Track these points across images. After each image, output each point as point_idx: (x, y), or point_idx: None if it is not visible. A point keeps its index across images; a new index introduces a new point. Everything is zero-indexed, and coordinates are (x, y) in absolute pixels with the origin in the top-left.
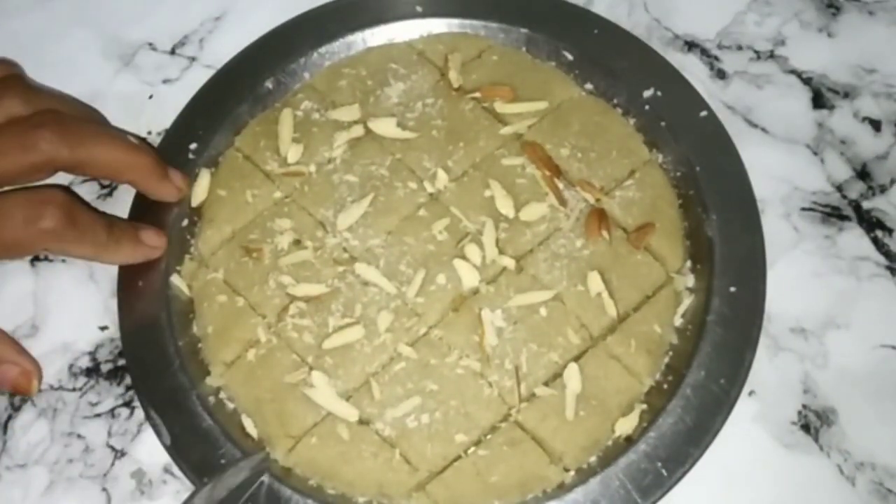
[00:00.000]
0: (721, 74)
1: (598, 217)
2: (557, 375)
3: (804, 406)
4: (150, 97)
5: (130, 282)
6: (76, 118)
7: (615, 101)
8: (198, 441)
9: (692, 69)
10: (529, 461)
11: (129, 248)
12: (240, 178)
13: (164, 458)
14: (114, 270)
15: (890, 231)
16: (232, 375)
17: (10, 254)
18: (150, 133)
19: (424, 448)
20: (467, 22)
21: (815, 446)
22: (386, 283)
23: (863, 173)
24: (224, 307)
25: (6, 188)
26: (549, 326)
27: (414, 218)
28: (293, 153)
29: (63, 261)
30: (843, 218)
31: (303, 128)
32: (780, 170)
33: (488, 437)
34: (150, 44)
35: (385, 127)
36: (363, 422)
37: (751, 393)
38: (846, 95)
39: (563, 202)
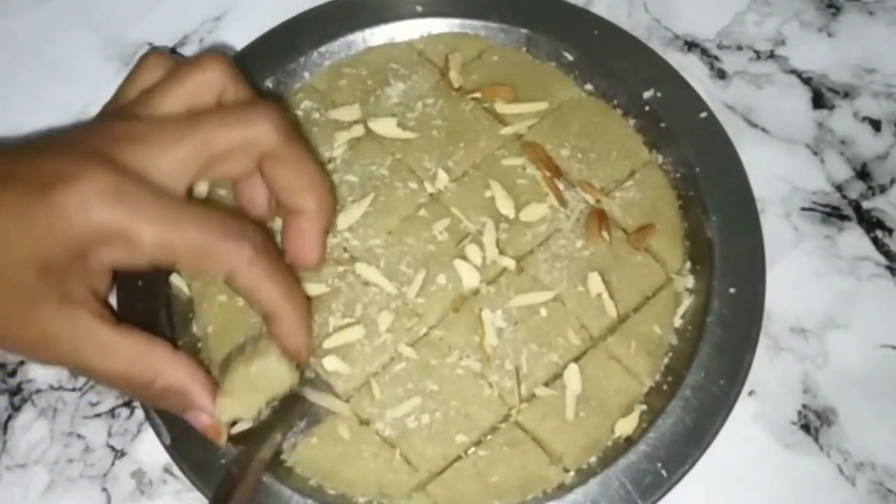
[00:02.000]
0: (721, 74)
1: (599, 218)
2: (557, 376)
3: (804, 406)
4: None
5: (130, 282)
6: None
7: (615, 101)
8: (198, 441)
9: (692, 69)
10: (529, 461)
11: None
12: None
13: (164, 458)
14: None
15: (890, 231)
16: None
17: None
18: None
19: (425, 448)
20: (467, 22)
21: (815, 446)
22: (386, 283)
23: (863, 173)
24: (224, 307)
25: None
26: (550, 327)
27: (414, 218)
28: None
29: None
30: (843, 218)
31: (303, 127)
32: (780, 170)
33: (488, 437)
34: (150, 44)
35: (385, 127)
36: (363, 422)
37: (751, 393)
38: (846, 95)
39: (563, 203)
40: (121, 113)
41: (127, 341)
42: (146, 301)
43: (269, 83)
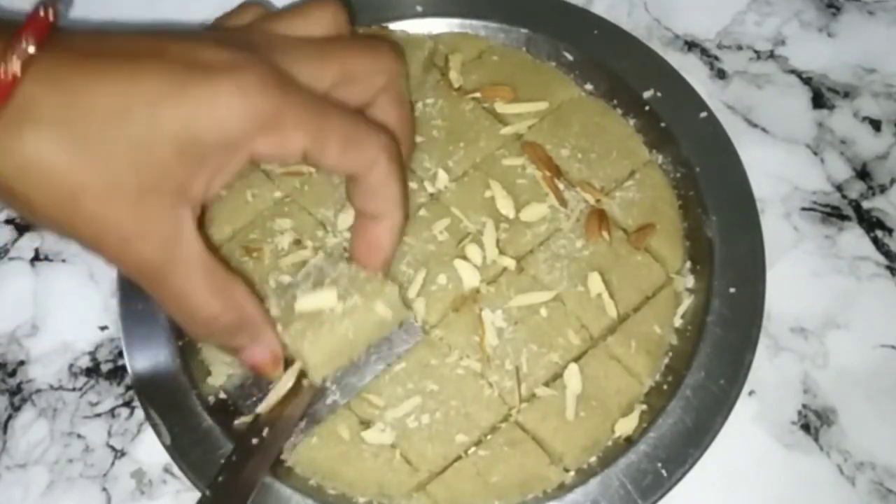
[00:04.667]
0: (721, 74)
1: (599, 218)
2: (558, 376)
3: (804, 406)
4: None
5: (130, 281)
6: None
7: (615, 101)
8: (198, 441)
9: (692, 69)
10: (530, 461)
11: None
12: (239, 177)
13: (164, 458)
14: (114, 270)
15: (890, 231)
16: None
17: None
18: None
19: (425, 448)
20: (467, 22)
21: (815, 446)
22: None
23: (863, 173)
24: None
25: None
26: (550, 327)
27: (414, 218)
28: None
29: (63, 260)
30: (843, 218)
31: None
32: (780, 170)
33: (489, 437)
34: None
35: None
36: (363, 422)
37: (751, 393)
38: (846, 95)
39: (563, 203)
40: (249, 29)
41: (212, 264)
42: (146, 301)
43: None
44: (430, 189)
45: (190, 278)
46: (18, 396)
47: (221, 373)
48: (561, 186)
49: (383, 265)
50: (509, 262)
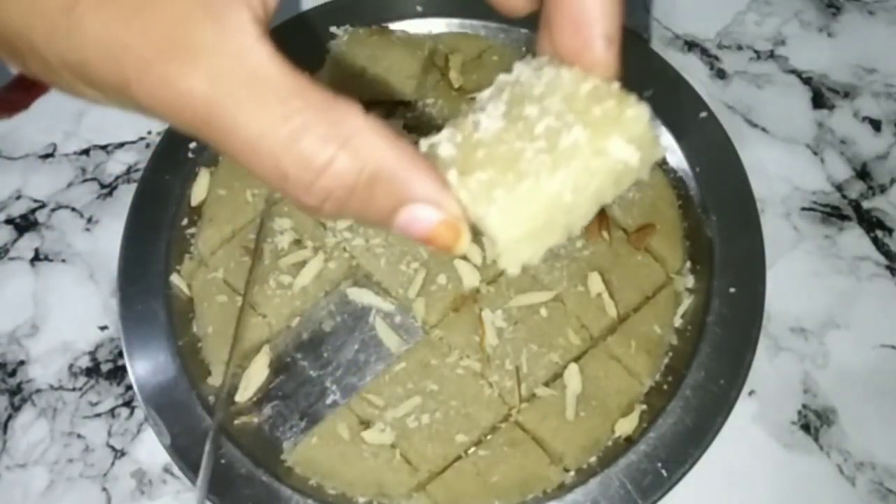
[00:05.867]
0: (721, 74)
1: (599, 218)
2: (558, 376)
3: (804, 406)
4: None
5: (130, 281)
6: None
7: None
8: (198, 441)
9: (692, 69)
10: (530, 461)
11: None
12: (240, 177)
13: (164, 458)
14: (114, 270)
15: (890, 231)
16: None
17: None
18: (150, 133)
19: (425, 448)
20: (467, 22)
21: (815, 446)
22: (380, 301)
23: (863, 173)
24: (224, 307)
25: None
26: (550, 327)
27: None
28: None
29: (63, 260)
30: (843, 218)
31: None
32: (780, 170)
33: (489, 437)
34: None
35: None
36: (363, 422)
37: (751, 393)
38: (846, 95)
39: None
40: None
41: (296, 82)
42: (146, 301)
43: None
44: None
45: (253, 102)
46: (18, 396)
47: (221, 373)
48: None
49: (611, 57)
50: None
